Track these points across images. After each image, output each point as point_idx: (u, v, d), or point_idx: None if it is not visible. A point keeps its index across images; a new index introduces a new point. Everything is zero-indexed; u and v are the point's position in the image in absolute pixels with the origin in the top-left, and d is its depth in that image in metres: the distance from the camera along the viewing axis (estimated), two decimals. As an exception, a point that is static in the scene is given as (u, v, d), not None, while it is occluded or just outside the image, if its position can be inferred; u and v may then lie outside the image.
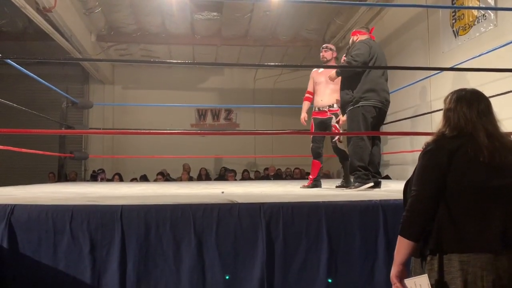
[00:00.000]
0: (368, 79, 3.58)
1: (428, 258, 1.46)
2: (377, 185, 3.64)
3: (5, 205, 2.17)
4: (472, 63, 4.61)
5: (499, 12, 4.61)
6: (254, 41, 9.08)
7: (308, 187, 4.25)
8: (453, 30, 5.49)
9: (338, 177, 8.31)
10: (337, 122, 4.12)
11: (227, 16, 7.91)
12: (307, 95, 4.50)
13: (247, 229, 2.21)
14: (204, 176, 9.53)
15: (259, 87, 10.87)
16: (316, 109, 4.35)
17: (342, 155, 4.21)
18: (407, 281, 1.45)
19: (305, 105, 4.51)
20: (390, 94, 3.83)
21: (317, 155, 4.30)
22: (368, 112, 3.58)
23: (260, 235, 2.20)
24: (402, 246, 1.47)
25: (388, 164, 7.44)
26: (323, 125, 4.28)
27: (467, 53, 5.00)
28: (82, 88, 10.65)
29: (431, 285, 1.40)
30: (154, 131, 8.42)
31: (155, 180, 8.12)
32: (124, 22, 8.12)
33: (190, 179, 9.04)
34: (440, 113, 1.61)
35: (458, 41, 5.38)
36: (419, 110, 6.04)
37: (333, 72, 3.93)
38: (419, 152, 1.54)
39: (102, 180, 8.58)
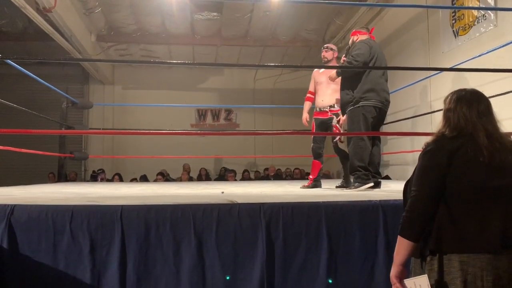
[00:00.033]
0: (369, 79, 3.58)
1: (428, 259, 1.46)
2: (377, 185, 3.64)
3: (5, 205, 2.17)
4: (472, 63, 4.61)
5: (499, 12, 4.61)
6: (254, 41, 9.09)
7: (308, 187, 4.25)
8: (453, 30, 5.49)
9: (338, 177, 8.31)
10: (338, 122, 4.12)
11: (227, 16, 7.92)
12: (308, 95, 4.50)
13: (247, 229, 2.21)
14: (204, 176, 9.53)
15: (259, 87, 10.87)
16: (317, 109, 4.35)
17: (342, 155, 4.20)
18: (407, 281, 1.45)
19: (307, 105, 4.51)
20: (390, 94, 3.83)
21: (317, 155, 4.30)
22: (369, 112, 3.58)
23: (260, 236, 2.20)
24: (402, 247, 1.47)
25: (388, 164, 7.44)
26: (324, 125, 4.28)
27: (467, 53, 5.01)
28: (82, 88, 10.65)
29: (431, 285, 1.40)
30: (154, 131, 8.43)
31: (155, 180, 8.11)
32: (124, 22, 8.12)
33: (190, 179, 9.04)
34: (440, 113, 1.61)
35: (458, 41, 5.38)
36: (419, 110, 6.04)
37: (333, 72, 3.93)
38: (419, 153, 1.55)
39: (102, 180, 8.58)
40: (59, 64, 10.04)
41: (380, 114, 3.66)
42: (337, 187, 4.14)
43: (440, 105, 1.81)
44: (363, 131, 3.57)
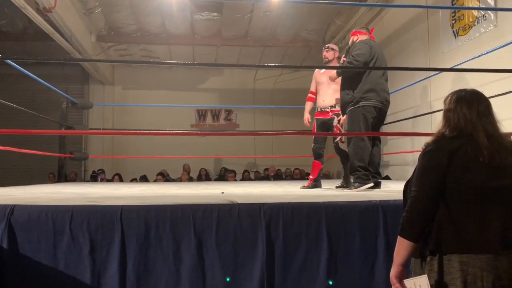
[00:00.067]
0: (369, 79, 3.58)
1: (428, 259, 1.46)
2: (377, 185, 3.64)
3: (5, 205, 2.17)
4: (472, 64, 4.61)
5: (499, 12, 4.61)
6: (254, 41, 9.09)
7: (308, 187, 4.25)
8: (453, 31, 5.49)
9: (338, 177, 8.31)
10: (338, 122, 4.12)
11: (227, 16, 7.92)
12: (309, 95, 4.50)
13: (247, 229, 2.21)
14: (204, 177, 9.53)
15: (259, 87, 10.87)
16: (318, 109, 4.35)
17: (343, 156, 4.20)
18: (407, 282, 1.45)
19: (308, 105, 4.51)
20: (390, 95, 3.83)
21: (318, 155, 4.30)
22: (369, 112, 3.58)
23: (260, 236, 2.20)
24: (402, 247, 1.47)
25: (388, 164, 7.44)
26: (325, 126, 4.28)
27: (467, 53, 5.01)
28: (82, 89, 10.65)
29: (431, 285, 1.40)
30: (154, 131, 8.43)
31: (155, 181, 8.12)
32: (124, 23, 8.12)
33: (190, 179, 9.04)
34: (440, 114, 1.61)
35: (458, 42, 5.38)
36: (420, 111, 6.04)
37: (333, 72, 3.93)
38: (419, 153, 1.55)
39: (102, 180, 8.58)
40: (59, 64, 10.04)
41: (380, 114, 3.66)
42: (337, 187, 4.14)
43: (440, 105, 1.81)
44: (363, 131, 3.57)
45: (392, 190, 3.54)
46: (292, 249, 2.22)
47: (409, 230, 1.46)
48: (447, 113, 1.55)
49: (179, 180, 8.85)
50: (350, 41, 3.93)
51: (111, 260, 2.13)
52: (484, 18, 4.88)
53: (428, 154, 1.49)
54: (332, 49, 4.36)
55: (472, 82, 4.65)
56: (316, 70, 4.49)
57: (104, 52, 9.26)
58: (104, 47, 9.14)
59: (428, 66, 5.95)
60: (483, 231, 1.39)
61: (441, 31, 5.76)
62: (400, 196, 1.68)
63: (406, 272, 1.49)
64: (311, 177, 4.36)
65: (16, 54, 8.10)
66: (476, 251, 1.38)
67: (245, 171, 9.70)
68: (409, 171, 1.60)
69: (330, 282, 2.20)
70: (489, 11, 4.78)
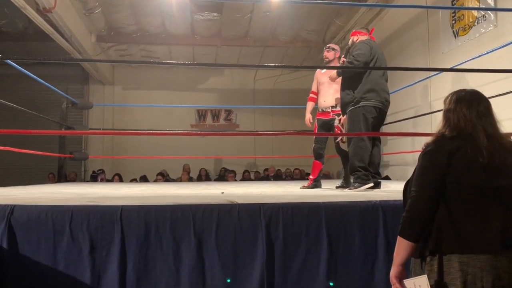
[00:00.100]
0: (369, 80, 3.58)
1: (428, 259, 1.46)
2: (377, 185, 3.64)
3: (5, 205, 2.17)
4: (472, 64, 4.61)
5: (499, 12, 4.61)
6: (254, 41, 9.09)
7: (308, 187, 4.25)
8: (453, 31, 5.49)
9: (338, 177, 8.31)
10: (339, 121, 4.12)
11: (227, 16, 7.92)
12: (311, 95, 4.50)
13: (247, 229, 2.21)
14: (204, 177, 9.53)
15: (259, 87, 10.87)
16: (320, 110, 4.35)
17: (344, 156, 4.20)
18: (407, 282, 1.45)
19: (309, 105, 4.51)
20: (390, 95, 3.83)
21: (318, 156, 4.30)
22: (369, 112, 3.58)
23: (260, 236, 2.20)
24: (402, 247, 1.47)
25: (388, 164, 7.44)
26: (327, 126, 4.28)
27: (467, 53, 5.01)
28: (82, 89, 10.66)
29: (431, 285, 1.40)
30: (154, 131, 8.42)
31: (155, 181, 8.12)
32: (124, 23, 8.12)
33: (190, 179, 9.04)
34: (440, 114, 1.61)
35: (458, 42, 5.38)
36: (420, 111, 6.04)
37: (334, 72, 3.93)
38: (419, 153, 1.55)
39: (102, 180, 8.58)
40: (59, 64, 10.04)
41: (380, 114, 3.66)
42: (337, 187, 4.14)
43: (440, 105, 1.81)
44: (363, 131, 3.57)
45: (392, 190, 3.54)
46: (292, 249, 2.22)
47: (409, 230, 1.46)
48: (447, 113, 1.55)
49: (179, 180, 8.86)
50: (350, 41, 3.93)
51: (111, 260, 2.13)
52: (484, 19, 4.88)
53: (428, 154, 1.49)
54: (333, 49, 4.36)
55: (472, 82, 4.65)
56: (318, 70, 4.49)
57: (104, 52, 9.26)
58: (104, 47, 9.14)
59: (428, 66, 5.95)
60: (483, 231, 1.39)
61: (441, 31, 5.77)
62: (400, 196, 1.68)
63: (406, 272, 1.49)
64: (311, 177, 4.36)
65: (16, 54, 8.09)
66: (476, 251, 1.38)
67: (245, 171, 9.70)
68: (409, 171, 1.60)
69: (331, 283, 2.20)
70: (489, 11, 4.78)
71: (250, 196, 3.01)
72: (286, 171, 9.83)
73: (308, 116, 4.43)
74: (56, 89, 5.37)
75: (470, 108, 1.50)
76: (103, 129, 9.85)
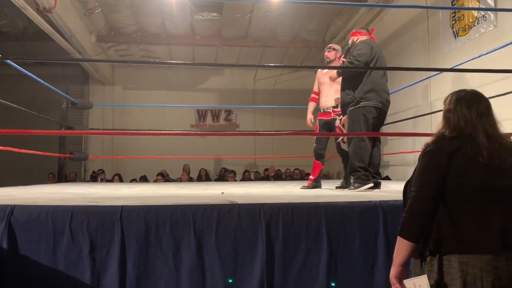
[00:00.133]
0: (370, 80, 3.58)
1: (428, 259, 1.46)
2: (377, 185, 3.64)
3: (5, 205, 2.17)
4: (472, 64, 4.62)
5: (499, 13, 4.61)
6: (254, 41, 9.09)
7: (308, 187, 4.25)
8: (453, 31, 5.49)
9: (338, 177, 8.31)
10: (340, 121, 4.12)
11: (227, 16, 7.92)
12: (312, 95, 4.50)
13: (247, 229, 2.21)
14: (204, 177, 9.53)
15: (259, 87, 10.87)
16: (321, 110, 4.35)
17: (345, 156, 4.19)
18: (407, 282, 1.45)
19: (311, 106, 4.50)
20: (391, 95, 3.83)
21: (319, 156, 4.30)
22: (369, 112, 3.58)
23: (260, 236, 2.19)
24: (402, 247, 1.47)
25: (388, 165, 7.44)
26: (328, 126, 4.28)
27: (467, 54, 5.01)
28: (82, 89, 10.66)
29: (431, 285, 1.40)
30: (154, 131, 8.42)
31: (155, 181, 8.12)
32: (124, 23, 8.12)
33: (190, 179, 9.04)
34: (441, 114, 1.61)
35: (458, 42, 5.38)
36: (420, 111, 6.04)
37: (334, 72, 3.93)
38: (419, 153, 1.55)
39: (102, 180, 8.58)
40: (59, 64, 10.04)
41: (380, 114, 3.66)
42: (337, 187, 4.14)
43: (440, 105, 1.81)
44: (363, 131, 3.57)
45: (392, 190, 3.54)
46: (292, 249, 2.22)
47: (409, 230, 1.46)
48: (447, 113, 1.55)
49: (179, 180, 8.85)
50: (350, 41, 3.93)
51: (111, 260, 2.13)
52: (484, 19, 4.88)
53: (428, 154, 1.49)
54: (334, 49, 4.36)
55: (472, 82, 4.65)
56: (319, 70, 4.49)
57: (104, 52, 9.26)
58: (104, 47, 9.14)
59: (428, 67, 5.95)
60: (483, 231, 1.39)
61: (441, 32, 5.77)
62: (400, 197, 1.68)
63: (406, 272, 1.49)
64: (311, 177, 4.36)
65: (16, 54, 8.09)
66: (476, 252, 1.38)
67: (245, 171, 9.70)
68: (409, 172, 1.60)
69: (333, 284, 2.20)
70: (489, 12, 4.78)
71: (250, 196, 3.01)
72: (286, 171, 9.83)
73: (310, 116, 4.43)
74: (56, 89, 5.37)
75: (470, 108, 1.50)
76: (103, 129, 9.85)
